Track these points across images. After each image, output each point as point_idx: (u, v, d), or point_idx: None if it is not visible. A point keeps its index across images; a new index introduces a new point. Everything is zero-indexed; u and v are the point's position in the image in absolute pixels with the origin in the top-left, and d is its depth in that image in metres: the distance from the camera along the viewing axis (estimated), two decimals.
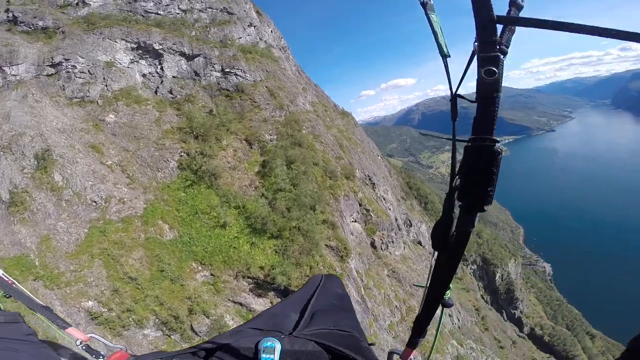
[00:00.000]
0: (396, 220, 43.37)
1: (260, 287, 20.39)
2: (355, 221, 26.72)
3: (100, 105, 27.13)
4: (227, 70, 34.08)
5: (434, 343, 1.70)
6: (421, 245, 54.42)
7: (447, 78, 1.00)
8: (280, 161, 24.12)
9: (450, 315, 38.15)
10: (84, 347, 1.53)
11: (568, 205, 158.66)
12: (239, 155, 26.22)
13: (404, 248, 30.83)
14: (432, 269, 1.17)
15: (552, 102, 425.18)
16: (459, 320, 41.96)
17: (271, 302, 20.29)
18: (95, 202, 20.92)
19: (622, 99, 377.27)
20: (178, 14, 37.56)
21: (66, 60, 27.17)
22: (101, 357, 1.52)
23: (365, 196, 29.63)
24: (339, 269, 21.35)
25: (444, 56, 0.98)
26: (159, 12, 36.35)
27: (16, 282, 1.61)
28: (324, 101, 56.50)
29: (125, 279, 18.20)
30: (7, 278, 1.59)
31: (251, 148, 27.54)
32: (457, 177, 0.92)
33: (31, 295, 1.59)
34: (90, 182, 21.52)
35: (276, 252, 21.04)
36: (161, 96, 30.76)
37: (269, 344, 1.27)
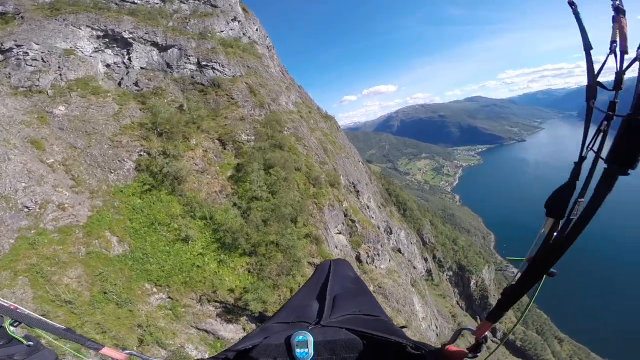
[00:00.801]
0: (380, 229, 41.03)
1: (230, 312, 17.13)
2: (340, 233, 23.97)
3: (50, 95, 23.33)
4: (203, 63, 30.88)
5: (524, 312, 1.36)
6: (400, 252, 52.81)
7: (586, 67, 1.04)
8: (257, 165, 20.93)
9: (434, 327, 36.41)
10: None
11: (537, 213, 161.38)
12: (210, 156, 22.80)
13: (389, 260, 28.34)
14: (545, 237, 1.05)
15: (524, 113, 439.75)
16: (437, 327, 40.07)
17: (244, 329, 17.43)
18: (27, 207, 16.97)
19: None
20: (157, 3, 34.55)
21: (18, 46, 23.92)
22: None
23: (351, 205, 26.95)
24: None
25: (589, 48, 1.03)
26: (135, 0, 32.78)
27: (19, 307, 1.33)
28: (307, 103, 53.86)
29: (57, 302, 14.52)
30: (7, 303, 1.31)
31: (224, 149, 24.18)
32: (589, 147, 0.94)
33: (42, 318, 1.37)
34: (24, 184, 17.54)
35: (249, 271, 17.81)
36: (125, 88, 27.07)
37: (300, 337, 1.24)
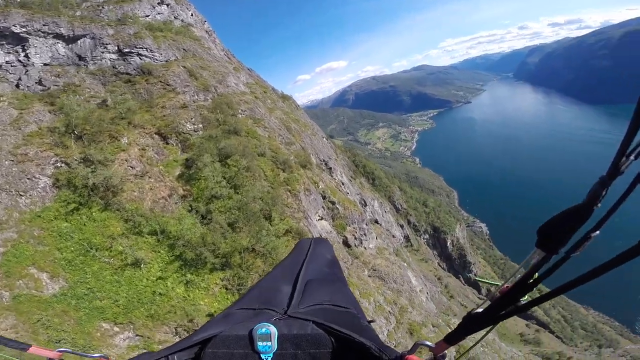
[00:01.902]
0: (363, 204, 38.49)
1: None
2: (322, 218, 20.70)
3: None
4: (126, 50, 25.81)
5: (478, 341, 1.30)
6: (378, 223, 51.22)
7: None
8: (209, 157, 16.66)
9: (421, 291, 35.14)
10: None
11: (490, 165, 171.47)
12: (150, 155, 18.10)
13: (376, 237, 25.82)
14: (529, 269, 0.80)
15: (466, 77, 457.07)
16: (427, 293, 39.12)
17: None
18: None
19: (522, 72, 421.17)
20: None
21: None
22: None
23: (327, 185, 23.68)
24: None
25: None
26: None
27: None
28: (261, 83, 48.92)
29: None
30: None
31: (167, 144, 19.53)
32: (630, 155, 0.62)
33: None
34: None
35: (227, 289, 13.98)
36: (25, 89, 21.34)
37: (264, 330, 1.17)
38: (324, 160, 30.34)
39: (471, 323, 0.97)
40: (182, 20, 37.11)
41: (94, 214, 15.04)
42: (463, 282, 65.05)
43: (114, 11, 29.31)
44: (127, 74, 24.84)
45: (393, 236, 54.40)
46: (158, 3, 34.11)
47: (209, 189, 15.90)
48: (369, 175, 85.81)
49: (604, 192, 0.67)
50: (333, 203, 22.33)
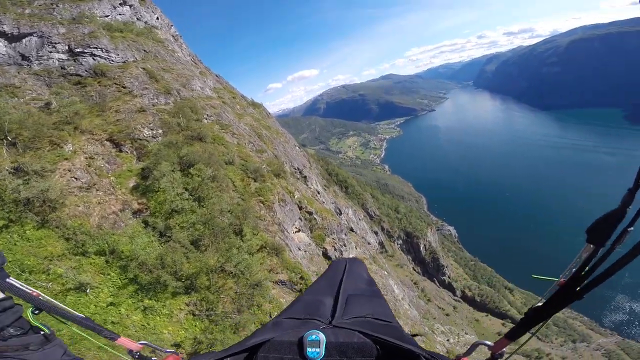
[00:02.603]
0: (338, 212, 37.23)
1: None
2: (299, 230, 19.13)
3: None
4: (78, 50, 23.48)
5: (533, 334, 1.25)
6: (353, 231, 50.44)
7: None
8: (168, 166, 14.60)
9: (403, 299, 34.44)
10: (137, 356, 1.41)
11: (455, 171, 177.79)
12: (99, 164, 15.69)
13: (356, 247, 24.58)
14: (582, 262, 0.99)
15: (430, 86, 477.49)
16: (408, 299, 38.48)
17: None
18: None
19: (481, 80, 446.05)
20: None
21: None
22: None
23: (303, 195, 22.19)
24: None
25: None
26: None
27: (41, 294, 1.33)
28: (230, 89, 46.84)
29: None
30: (29, 289, 1.30)
31: (120, 151, 17.14)
32: None
33: (64, 306, 1.36)
34: None
35: (194, 315, 11.94)
36: None
37: (313, 337, 1.20)
38: (298, 169, 28.87)
39: (535, 317, 1.07)
40: (146, 22, 34.96)
41: (27, 232, 12.47)
42: (438, 285, 65.52)
43: (68, 10, 26.57)
44: (78, 75, 22.19)
45: (368, 243, 53.67)
46: (120, 4, 31.88)
47: (169, 202, 13.81)
48: (342, 184, 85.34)
49: (632, 199, 0.88)
50: (310, 213, 20.85)
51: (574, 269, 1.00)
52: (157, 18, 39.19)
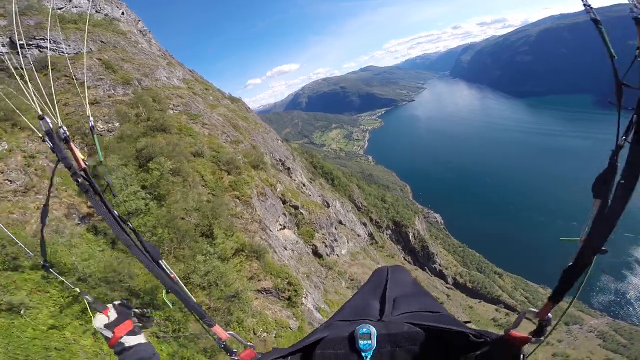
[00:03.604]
0: (326, 205, 34.99)
1: None
2: (285, 227, 16.83)
3: None
4: (22, 42, 20.75)
5: (575, 296, 1.35)
6: (342, 224, 48.61)
7: (613, 72, 1.20)
8: (117, 160, 11.91)
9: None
10: (222, 345, 1.53)
11: (436, 159, 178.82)
12: (40, 164, 12.91)
13: (347, 241, 22.49)
14: (594, 217, 1.09)
15: (409, 77, 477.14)
16: None
17: None
18: None
19: (457, 70, 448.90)
20: None
21: None
22: (234, 353, 1.50)
23: (287, 188, 19.83)
24: (294, 321, 11.34)
25: (612, 57, 1.23)
26: None
27: (177, 277, 1.57)
28: (203, 82, 43.69)
29: None
30: (170, 272, 1.56)
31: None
32: (624, 137, 1.06)
33: (189, 293, 1.55)
34: None
35: (158, 337, 9.52)
36: None
37: (364, 329, 1.24)
38: (280, 160, 26.41)
39: (569, 274, 1.10)
40: (106, 15, 32.86)
41: None
42: (430, 273, 64.71)
43: (16, 3, 24.05)
44: (19, 68, 19.20)
45: (358, 235, 52.07)
46: None
47: (122, 203, 11.17)
48: (328, 176, 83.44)
49: (617, 156, 1.08)
50: (296, 207, 18.56)
51: (590, 224, 1.08)
52: (123, 13, 37.02)
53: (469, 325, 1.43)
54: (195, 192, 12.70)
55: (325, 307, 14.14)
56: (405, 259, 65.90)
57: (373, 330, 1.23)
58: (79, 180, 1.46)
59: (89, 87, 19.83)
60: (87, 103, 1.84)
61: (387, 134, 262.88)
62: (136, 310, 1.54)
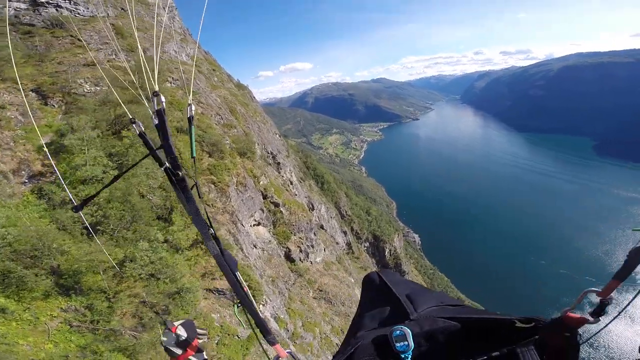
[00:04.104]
0: (310, 208, 33.78)
1: None
2: (259, 224, 15.60)
3: None
4: (42, 0, 21.10)
5: None
6: (323, 229, 47.60)
7: None
8: (86, 120, 10.55)
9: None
10: None
11: (428, 181, 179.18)
12: (8, 115, 11.56)
13: (324, 249, 21.32)
14: None
15: (419, 95, 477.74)
16: None
17: None
18: None
19: (468, 96, 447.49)
20: None
21: None
22: None
23: (272, 182, 18.59)
24: (244, 330, 10.11)
25: None
26: None
27: (249, 292, 1.53)
28: (212, 62, 42.38)
29: None
30: (244, 284, 1.52)
31: (46, 104, 13.08)
32: None
33: (257, 308, 1.52)
34: None
35: (72, 325, 8.10)
36: None
37: (398, 332, 1.20)
38: (271, 153, 25.16)
39: (634, 257, 1.09)
40: None
41: None
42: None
43: None
44: (30, 24, 19.69)
45: (337, 243, 51.23)
46: None
47: (83, 168, 9.78)
48: (319, 179, 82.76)
49: None
50: (277, 205, 17.33)
51: None
52: None
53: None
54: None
55: (285, 318, 12.91)
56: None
57: (407, 330, 1.18)
58: (179, 174, 1.30)
59: (90, 50, 19.09)
60: (191, 93, 1.38)
61: (385, 149, 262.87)
62: (200, 330, 1.56)
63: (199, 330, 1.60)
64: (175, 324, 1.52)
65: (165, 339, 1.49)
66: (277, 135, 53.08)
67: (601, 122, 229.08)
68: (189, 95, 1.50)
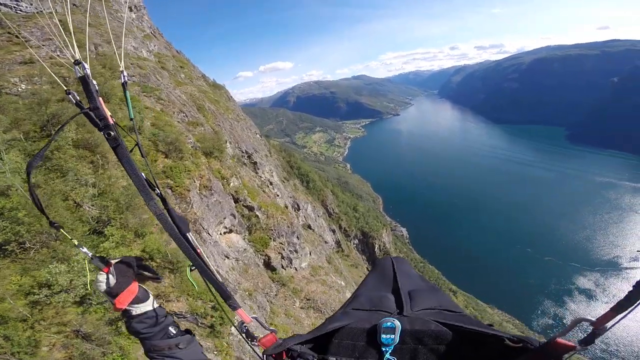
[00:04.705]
0: (288, 208, 31.89)
1: None
2: (231, 231, 13.75)
3: None
4: None
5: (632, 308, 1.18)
6: (311, 229, 46.03)
7: None
8: (7, 122, 8.44)
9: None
10: (244, 330, 1.49)
11: (412, 174, 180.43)
12: None
13: (310, 253, 19.60)
14: None
15: (398, 91, 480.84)
16: None
17: None
18: None
19: (445, 90, 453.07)
20: None
21: None
22: (255, 338, 1.46)
23: (245, 184, 16.70)
24: (214, 356, 8.35)
25: None
26: None
27: (202, 253, 1.42)
28: (182, 59, 39.90)
29: None
30: (197, 246, 1.42)
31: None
32: None
33: (214, 269, 1.48)
34: None
35: None
36: None
37: (389, 323, 1.21)
38: (246, 152, 23.16)
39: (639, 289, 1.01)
40: None
41: None
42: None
43: None
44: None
45: (325, 242, 49.81)
46: None
47: None
48: (304, 178, 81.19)
49: None
50: (251, 209, 15.49)
51: None
52: None
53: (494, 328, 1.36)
54: (109, 174, 9.38)
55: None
56: (368, 270, 64.23)
57: (397, 324, 1.18)
58: (111, 133, 1.29)
59: (30, 47, 16.81)
60: (122, 57, 1.48)
61: (368, 144, 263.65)
62: (142, 268, 1.38)
63: (141, 269, 1.36)
64: (112, 261, 1.29)
65: (97, 284, 1.26)
66: (258, 135, 51.01)
67: (573, 113, 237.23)
68: (120, 62, 1.43)
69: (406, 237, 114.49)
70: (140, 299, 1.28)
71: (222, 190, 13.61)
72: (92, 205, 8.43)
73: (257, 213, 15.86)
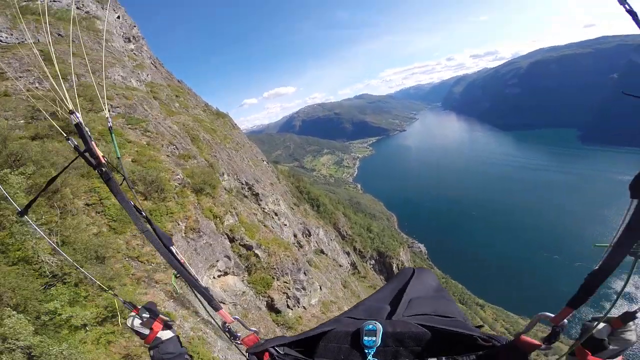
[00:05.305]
0: (307, 234, 30.30)
1: None
2: (227, 273, 12.26)
3: None
4: None
5: (617, 297, 1.23)
6: (324, 253, 44.04)
7: None
8: None
9: None
10: (227, 329, 1.53)
11: (424, 189, 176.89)
12: None
13: (320, 287, 17.75)
14: (629, 219, 0.99)
15: (401, 107, 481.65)
16: None
17: None
18: None
19: (448, 102, 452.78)
20: None
21: None
22: (237, 337, 1.50)
23: (243, 220, 15.31)
24: None
25: None
26: None
27: (185, 262, 1.57)
28: (180, 88, 40.06)
29: None
30: (180, 257, 1.56)
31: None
32: None
33: (196, 276, 1.57)
34: None
35: None
36: None
37: (370, 326, 1.23)
38: (246, 183, 21.97)
39: (593, 281, 1.07)
40: (87, 12, 30.80)
41: None
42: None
43: None
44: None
45: (340, 265, 47.61)
46: None
47: None
48: (314, 202, 79.81)
49: None
50: (249, 248, 14.01)
51: (621, 228, 0.99)
52: (119, 17, 36.36)
53: (482, 329, 1.36)
54: (78, 220, 8.16)
55: None
56: None
57: (379, 326, 1.21)
58: (104, 169, 1.48)
59: (6, 79, 16.22)
60: (105, 103, 1.75)
61: (377, 163, 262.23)
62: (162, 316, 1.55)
63: (162, 316, 1.53)
64: (138, 306, 1.51)
65: (130, 321, 1.47)
66: (265, 162, 50.30)
67: (580, 113, 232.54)
68: (105, 107, 1.73)
69: (425, 253, 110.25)
70: (167, 326, 1.48)
71: (213, 231, 12.23)
72: (53, 258, 7.13)
73: (257, 251, 14.35)
